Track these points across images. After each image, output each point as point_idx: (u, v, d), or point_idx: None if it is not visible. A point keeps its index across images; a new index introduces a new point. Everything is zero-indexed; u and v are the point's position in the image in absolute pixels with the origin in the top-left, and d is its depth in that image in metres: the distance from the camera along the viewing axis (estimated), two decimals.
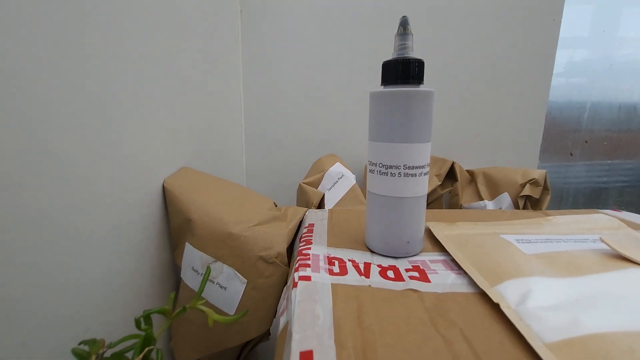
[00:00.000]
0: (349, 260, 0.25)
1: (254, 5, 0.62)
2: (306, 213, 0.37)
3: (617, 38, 0.80)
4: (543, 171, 0.53)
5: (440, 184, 0.57)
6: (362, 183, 0.64)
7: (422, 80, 0.24)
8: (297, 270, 0.23)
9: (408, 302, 0.20)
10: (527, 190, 0.52)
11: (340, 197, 0.46)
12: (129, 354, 0.22)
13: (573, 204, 0.87)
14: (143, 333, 0.23)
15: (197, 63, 0.45)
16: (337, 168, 0.49)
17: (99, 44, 0.26)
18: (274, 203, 0.39)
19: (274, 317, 0.32)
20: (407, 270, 0.24)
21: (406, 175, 0.24)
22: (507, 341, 0.16)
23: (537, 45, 0.66)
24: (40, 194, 0.20)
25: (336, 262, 0.24)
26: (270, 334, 0.36)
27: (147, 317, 0.24)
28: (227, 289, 0.31)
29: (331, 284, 0.21)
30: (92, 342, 0.21)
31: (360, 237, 0.29)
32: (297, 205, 0.46)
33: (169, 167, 0.37)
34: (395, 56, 0.25)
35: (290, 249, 0.33)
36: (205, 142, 0.48)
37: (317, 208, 0.43)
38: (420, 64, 0.24)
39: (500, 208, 0.53)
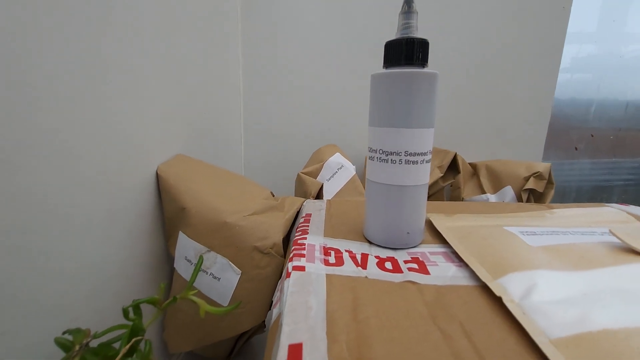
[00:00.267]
0: (346, 250, 0.24)
1: None
2: (304, 203, 0.36)
3: (625, 33, 0.78)
4: (547, 164, 0.52)
5: (442, 176, 0.56)
6: (362, 174, 0.63)
7: (427, 61, 0.23)
8: (291, 260, 0.22)
9: (406, 294, 0.19)
10: (530, 184, 0.51)
11: (340, 188, 0.45)
12: (118, 346, 0.22)
13: (576, 201, 0.85)
14: (131, 323, 0.22)
15: (195, 46, 0.44)
16: (337, 158, 0.47)
17: (89, 20, 0.24)
18: (271, 193, 0.38)
19: (269, 309, 0.31)
20: (405, 261, 0.23)
21: (407, 162, 0.23)
22: (510, 337, 0.15)
23: (546, 36, 0.64)
24: (24, 173, 0.19)
25: (332, 253, 0.23)
26: (265, 326, 0.35)
27: (136, 307, 0.23)
28: (221, 280, 0.30)
29: (326, 274, 0.20)
30: (76, 332, 0.20)
31: (358, 228, 0.28)
32: (295, 196, 0.45)
33: (163, 152, 0.36)
34: (398, 36, 0.23)
35: (287, 239, 0.33)
36: (202, 128, 0.47)
37: (316, 198, 0.42)
38: (424, 44, 0.23)
39: (504, 201, 0.52)
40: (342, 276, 0.20)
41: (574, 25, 0.67)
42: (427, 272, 0.21)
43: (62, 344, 0.19)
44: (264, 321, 0.33)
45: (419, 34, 0.23)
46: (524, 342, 0.15)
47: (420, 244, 0.25)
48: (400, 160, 0.23)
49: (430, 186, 0.55)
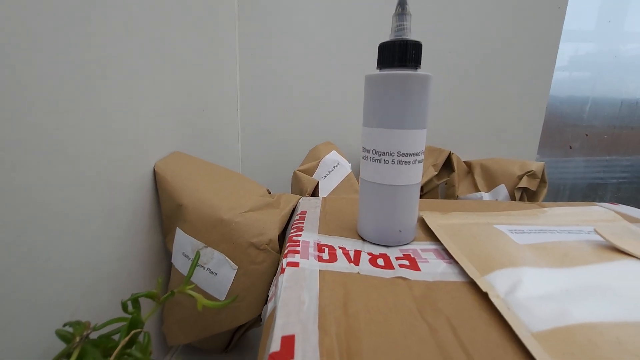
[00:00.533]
0: (340, 247, 0.24)
1: None
2: (299, 200, 0.36)
3: (623, 32, 0.79)
4: (541, 163, 0.53)
5: (437, 174, 0.56)
6: (357, 172, 0.63)
7: (420, 63, 0.24)
8: (285, 256, 0.23)
9: (396, 290, 0.19)
10: (524, 182, 0.52)
11: (335, 185, 0.46)
12: (117, 338, 0.22)
13: (570, 199, 0.86)
14: (130, 316, 0.23)
15: (191, 44, 0.44)
16: (333, 156, 0.48)
17: (86, 19, 0.25)
18: (268, 190, 0.38)
19: (265, 303, 0.32)
20: (397, 258, 0.23)
21: (400, 162, 0.24)
22: (494, 330, 0.16)
23: (541, 35, 0.64)
24: (22, 171, 0.20)
25: (326, 249, 0.24)
26: (261, 320, 0.36)
27: (134, 301, 0.24)
28: (218, 275, 0.31)
29: (319, 270, 0.21)
30: (76, 324, 0.20)
31: (352, 225, 0.29)
32: (291, 193, 0.46)
33: (160, 150, 0.36)
34: (392, 38, 0.24)
35: (283, 236, 0.33)
36: (199, 126, 0.47)
37: (312, 196, 0.43)
38: (417, 46, 0.23)
39: (497, 200, 0.53)
40: (334, 272, 0.21)
41: (573, 24, 0.68)
42: (417, 269, 0.22)
43: (62, 336, 0.20)
44: (260, 315, 0.34)
45: (413, 34, 0.23)
46: (507, 335, 0.16)
47: (412, 241, 0.26)
48: (392, 160, 0.23)
49: (425, 184, 0.56)
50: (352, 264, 0.22)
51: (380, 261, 0.23)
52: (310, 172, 0.46)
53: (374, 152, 0.24)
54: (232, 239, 0.31)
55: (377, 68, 0.25)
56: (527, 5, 0.63)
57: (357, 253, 0.24)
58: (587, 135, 0.80)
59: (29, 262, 0.21)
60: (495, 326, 0.16)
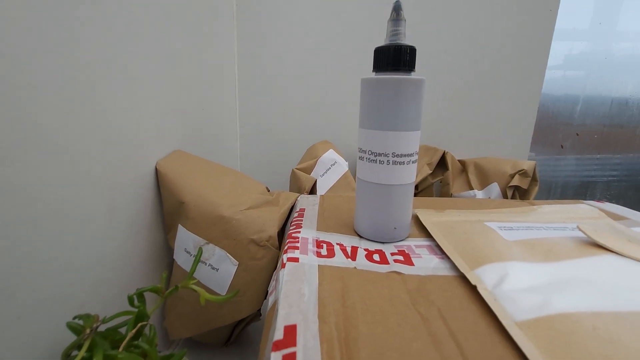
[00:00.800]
0: (337, 243, 0.26)
1: None
2: (298, 198, 0.37)
3: (616, 31, 0.80)
4: (532, 162, 0.54)
5: (431, 173, 0.58)
6: (354, 170, 0.65)
7: (414, 67, 0.25)
8: (285, 252, 0.24)
9: (391, 283, 0.20)
10: (516, 181, 0.53)
11: (333, 183, 0.47)
12: (123, 331, 0.23)
13: (561, 196, 0.88)
14: (136, 310, 0.24)
15: (190, 43, 0.45)
16: (330, 155, 0.49)
17: (87, 18, 0.25)
18: (267, 188, 0.39)
19: (265, 297, 0.33)
20: (392, 254, 0.24)
21: (395, 163, 0.25)
22: (481, 320, 0.17)
23: (532, 35, 0.65)
24: (29, 171, 0.21)
25: (324, 246, 0.25)
26: (261, 314, 0.37)
27: (140, 295, 0.25)
28: (219, 271, 0.32)
29: (318, 265, 0.22)
30: (86, 317, 0.21)
31: (349, 222, 0.30)
32: (289, 191, 0.47)
33: (161, 148, 0.37)
34: (387, 42, 0.25)
35: (281, 232, 0.34)
36: (198, 124, 0.48)
37: (309, 194, 0.44)
38: (411, 50, 0.24)
39: (490, 197, 0.55)
40: (332, 267, 0.22)
41: (567, 23, 0.69)
42: (411, 264, 0.23)
43: (73, 328, 0.21)
44: (260, 310, 0.35)
45: (407, 35, 0.24)
46: (493, 324, 0.17)
47: (407, 237, 0.27)
48: (388, 161, 0.25)
49: (420, 182, 0.57)
50: (349, 259, 0.23)
51: (376, 256, 0.24)
52: (308, 170, 0.47)
53: (370, 152, 0.25)
54: (232, 236, 0.32)
55: (373, 71, 0.26)
56: (519, 7, 0.64)
57: (354, 249, 0.25)
58: (577, 135, 0.82)
59: (38, 259, 0.22)
60: (482, 316, 0.18)
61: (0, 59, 0.18)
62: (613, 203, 0.37)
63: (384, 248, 0.25)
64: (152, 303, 0.25)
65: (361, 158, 0.26)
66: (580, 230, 0.25)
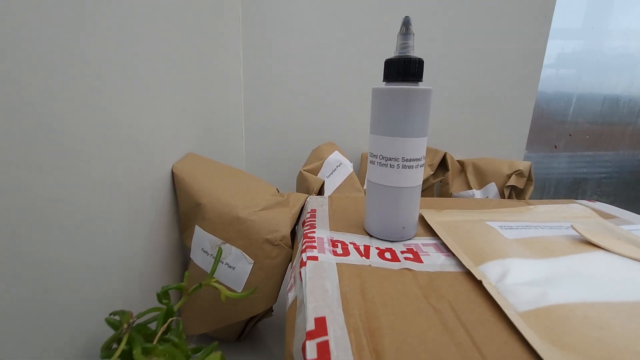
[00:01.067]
0: (350, 243, 0.27)
1: None
2: (307, 199, 0.39)
3: (608, 30, 0.82)
4: (528, 163, 0.56)
5: (433, 174, 0.60)
6: (357, 170, 0.67)
7: (422, 78, 0.26)
8: (304, 251, 0.25)
9: (404, 279, 0.22)
10: (512, 181, 0.55)
11: (338, 184, 0.48)
12: (147, 327, 0.25)
13: (555, 193, 0.91)
14: (164, 306, 0.25)
15: (199, 49, 0.46)
16: (336, 156, 0.51)
17: (110, 30, 0.27)
18: (277, 189, 0.41)
19: (278, 294, 0.35)
20: (402, 252, 0.26)
21: (404, 167, 0.26)
22: (487, 311, 0.19)
23: (528, 40, 0.68)
24: (65, 183, 0.22)
25: (339, 245, 0.27)
26: (273, 311, 0.39)
27: (165, 293, 0.26)
28: (235, 269, 0.34)
29: (336, 263, 0.24)
30: (121, 313, 0.23)
31: (359, 222, 0.32)
32: (297, 191, 0.48)
33: (176, 152, 0.39)
34: (397, 54, 0.26)
35: (293, 232, 0.36)
36: (207, 126, 0.49)
37: (317, 194, 0.45)
38: (420, 63, 0.26)
39: (488, 197, 0.57)
40: (349, 264, 0.24)
41: (561, 22, 0.71)
42: (420, 261, 0.25)
43: (111, 323, 0.22)
44: (272, 307, 0.36)
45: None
46: (498, 315, 0.19)
47: (414, 236, 0.29)
48: (397, 165, 0.26)
49: (422, 183, 0.59)
50: (363, 257, 0.25)
51: (388, 254, 0.26)
52: (315, 171, 0.49)
53: (381, 157, 0.27)
54: (248, 236, 0.34)
55: (383, 81, 0.27)
56: (515, 13, 0.66)
57: (367, 248, 0.27)
58: (570, 135, 0.84)
59: (80, 257, 0.23)
60: (488, 308, 0.20)
61: (25, 66, 0.19)
62: (604, 200, 0.39)
63: (394, 247, 0.27)
64: (173, 300, 0.27)
65: (372, 162, 0.28)
66: (574, 229, 0.27)
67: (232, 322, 0.35)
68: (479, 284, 0.22)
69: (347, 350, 0.16)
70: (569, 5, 0.77)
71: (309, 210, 0.35)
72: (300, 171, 0.48)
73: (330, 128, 0.68)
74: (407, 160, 0.26)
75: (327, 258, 0.24)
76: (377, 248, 0.27)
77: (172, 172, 0.37)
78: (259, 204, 0.35)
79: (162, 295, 0.26)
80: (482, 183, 0.58)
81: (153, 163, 0.34)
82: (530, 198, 0.58)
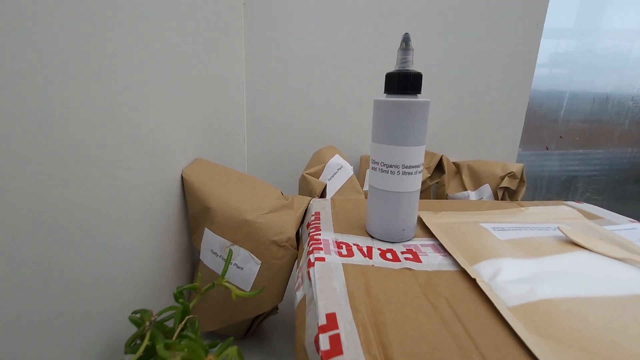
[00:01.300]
0: (354, 244, 0.29)
1: None
2: (310, 202, 0.41)
3: (600, 30, 0.84)
4: (520, 165, 0.59)
5: (430, 176, 0.62)
6: (357, 173, 0.68)
7: (420, 90, 0.28)
8: (311, 252, 0.27)
9: (405, 278, 0.24)
10: (505, 182, 0.58)
11: (339, 187, 0.50)
12: (169, 323, 0.27)
13: (547, 191, 0.94)
14: (181, 305, 0.27)
15: (205, 53, 0.47)
16: (337, 160, 0.53)
17: (124, 42, 0.28)
18: (281, 192, 0.43)
19: (284, 292, 0.36)
20: (402, 252, 0.28)
21: (404, 173, 0.28)
22: (481, 307, 0.21)
23: (521, 44, 0.70)
24: (84, 190, 0.24)
25: (344, 246, 0.29)
26: (278, 309, 0.41)
27: (180, 292, 0.28)
28: (244, 269, 0.35)
29: (342, 264, 0.26)
30: (143, 312, 0.25)
31: (361, 224, 0.34)
32: (299, 194, 0.50)
33: (184, 157, 0.40)
34: (397, 69, 0.28)
35: (297, 233, 0.38)
36: (212, 131, 0.51)
37: (320, 197, 0.47)
38: (418, 77, 0.28)
39: (482, 198, 0.59)
40: (354, 265, 0.26)
41: (551, 22, 0.72)
42: (419, 261, 0.27)
43: (134, 321, 0.24)
44: (277, 305, 0.38)
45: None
46: (490, 310, 0.21)
47: (413, 237, 0.31)
48: (398, 171, 0.28)
49: None
50: (366, 258, 0.27)
51: (389, 255, 0.28)
52: (317, 175, 0.51)
53: (382, 164, 0.29)
54: (255, 238, 0.35)
55: (384, 93, 0.29)
56: (508, 16, 0.68)
57: (369, 249, 0.29)
58: (561, 137, 0.87)
59: (99, 263, 0.25)
60: (482, 303, 0.22)
61: (51, 78, 0.20)
62: (595, 197, 0.42)
63: (394, 247, 0.29)
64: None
65: (374, 169, 0.30)
66: (560, 230, 0.29)
67: (240, 320, 0.37)
68: (473, 281, 0.24)
69: (357, 342, 0.17)
70: (562, 6, 0.79)
71: (313, 213, 0.37)
72: (302, 174, 0.50)
73: (331, 130, 0.70)
74: (406, 167, 0.28)
75: (333, 259, 0.26)
76: (379, 249, 0.29)
77: (182, 177, 0.39)
78: (265, 207, 0.37)
79: (179, 295, 0.27)
80: (476, 184, 0.61)
81: (164, 169, 0.35)
82: (523, 196, 0.60)
